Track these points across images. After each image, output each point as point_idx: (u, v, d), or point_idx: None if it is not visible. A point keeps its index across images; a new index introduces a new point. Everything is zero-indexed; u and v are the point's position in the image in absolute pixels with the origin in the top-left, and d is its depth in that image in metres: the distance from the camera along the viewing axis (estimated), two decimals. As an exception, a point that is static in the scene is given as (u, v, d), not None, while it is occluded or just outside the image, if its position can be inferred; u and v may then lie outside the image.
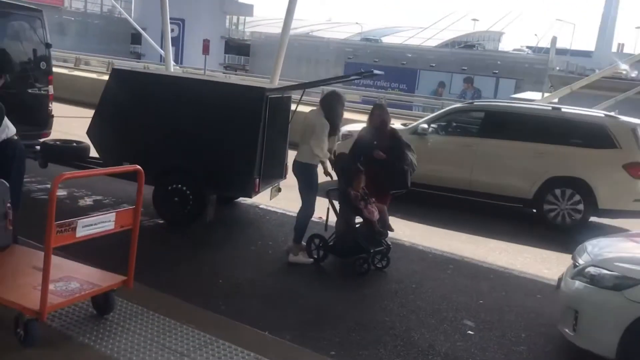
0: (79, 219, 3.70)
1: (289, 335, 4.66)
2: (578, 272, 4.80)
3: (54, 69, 9.91)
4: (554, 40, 35.50)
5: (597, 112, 10.22)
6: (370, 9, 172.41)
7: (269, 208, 8.27)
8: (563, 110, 9.78)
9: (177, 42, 49.04)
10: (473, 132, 9.87)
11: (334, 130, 6.42)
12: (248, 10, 53.49)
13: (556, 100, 16.71)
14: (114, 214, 3.97)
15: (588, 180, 8.69)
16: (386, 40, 50.67)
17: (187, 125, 7.14)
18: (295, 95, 8.11)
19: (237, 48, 51.08)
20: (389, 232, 6.52)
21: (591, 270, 4.67)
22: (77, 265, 4.35)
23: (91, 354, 3.79)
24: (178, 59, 46.92)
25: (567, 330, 4.73)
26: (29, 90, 9.04)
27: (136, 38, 49.03)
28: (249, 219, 8.00)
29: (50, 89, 9.29)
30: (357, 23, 56.71)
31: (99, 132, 7.56)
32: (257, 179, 7.06)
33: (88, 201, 7.96)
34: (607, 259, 4.73)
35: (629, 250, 5.08)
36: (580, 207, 8.79)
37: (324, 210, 6.62)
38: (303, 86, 7.83)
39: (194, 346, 4.02)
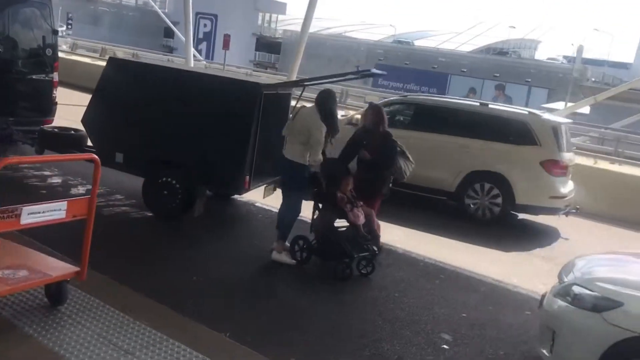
0: (23, 206, 3.59)
1: (251, 337, 4.48)
2: (560, 290, 4.52)
3: (79, 58, 9.95)
4: (580, 49, 34.66)
5: (522, 110, 10.30)
6: (405, 12, 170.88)
7: (263, 206, 8.11)
8: (490, 106, 9.96)
9: (209, 37, 49.31)
10: (405, 125, 9.79)
11: (332, 131, 6.20)
12: (281, 8, 53.52)
13: (580, 110, 16.21)
14: (65, 202, 3.85)
15: (507, 175, 8.81)
16: (419, 43, 50.14)
17: (179, 118, 7.02)
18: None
19: (268, 46, 51.13)
20: (375, 237, 6.28)
21: (574, 289, 4.38)
22: (32, 253, 4.26)
23: (32, 346, 3.69)
24: (210, 55, 47.18)
25: (544, 351, 4.45)
26: (33, 76, 9.08)
27: (169, 32, 49.33)
28: (240, 216, 7.86)
29: (55, 75, 9.29)
30: (390, 25, 56.27)
31: (93, 121, 7.49)
32: (248, 176, 6.91)
33: (81, 189, 7.89)
34: (590, 278, 4.44)
35: (617, 269, 4.77)
36: (499, 201, 8.88)
37: (309, 210, 6.43)
38: (301, 83, 7.65)
39: (141, 344, 3.88)
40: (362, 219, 6.12)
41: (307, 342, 4.65)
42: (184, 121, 7.00)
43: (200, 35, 51.09)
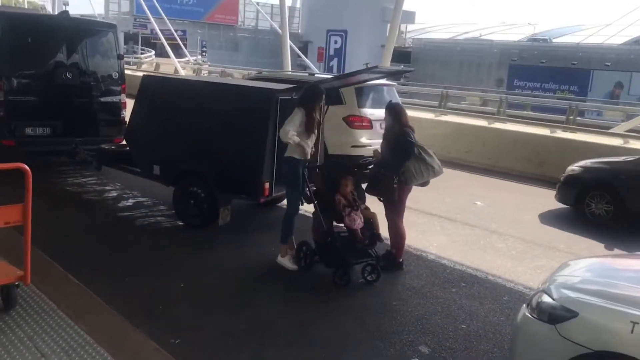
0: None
1: (207, 345, 4.37)
2: (529, 299, 3.89)
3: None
4: None
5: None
6: (550, 9, 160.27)
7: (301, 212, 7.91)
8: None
9: (340, 53, 50.08)
10: None
11: (310, 125, 5.95)
12: (410, 17, 52.87)
13: None
14: (-5, 209, 4.04)
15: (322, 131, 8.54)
16: (563, 40, 46.85)
17: (199, 128, 7.15)
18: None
19: (398, 55, 50.65)
20: (375, 242, 5.87)
21: (539, 297, 3.74)
22: (-12, 259, 4.50)
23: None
24: (340, 69, 47.92)
25: (508, 367, 3.86)
26: (102, 99, 9.75)
27: (303, 51, 50.95)
28: (267, 222, 7.72)
29: (123, 97, 9.92)
30: (529, 24, 53.20)
31: (132, 137, 7.87)
32: (267, 183, 6.83)
33: (129, 202, 8.30)
34: (557, 284, 3.76)
35: (603, 273, 3.99)
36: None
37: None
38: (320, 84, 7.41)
39: (62, 348, 3.93)
40: (358, 224, 5.76)
41: (261, 352, 4.43)
42: (204, 130, 7.13)
43: (331, 52, 52.14)
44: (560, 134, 12.96)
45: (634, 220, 8.40)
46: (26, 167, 4.14)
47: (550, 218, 9.04)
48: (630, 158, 9.26)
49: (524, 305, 3.92)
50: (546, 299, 3.62)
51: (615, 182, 8.63)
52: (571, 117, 19.13)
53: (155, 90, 7.78)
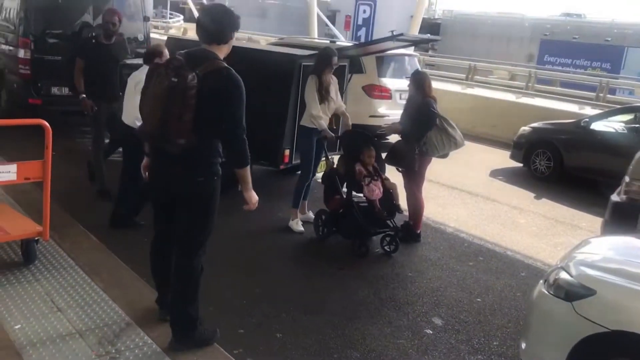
0: (-34, 167, 3.86)
1: (220, 305, 4.39)
2: (546, 275, 3.83)
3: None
4: None
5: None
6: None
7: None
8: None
9: (368, 23, 49.43)
10: None
11: (321, 91, 5.87)
12: (441, -12, 51.91)
13: None
14: (15, 165, 4.07)
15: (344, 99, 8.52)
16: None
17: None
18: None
19: (427, 27, 49.78)
20: (393, 212, 5.82)
21: (557, 273, 3.68)
22: (11, 214, 4.57)
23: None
24: (368, 39, 47.30)
25: (522, 343, 3.80)
26: (127, 61, 9.72)
27: (331, 20, 50.33)
28: (288, 189, 7.68)
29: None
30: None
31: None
32: (288, 150, 6.81)
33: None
34: (576, 261, 3.69)
35: (624, 252, 3.90)
36: None
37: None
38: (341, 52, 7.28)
39: (78, 303, 4.00)
40: (377, 194, 5.71)
41: (273, 315, 4.44)
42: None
43: (360, 22, 51.54)
44: (588, 110, 12.68)
45: (570, 177, 9.28)
46: (46, 123, 4.16)
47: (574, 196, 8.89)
48: (573, 120, 9.95)
49: (541, 281, 3.86)
50: (564, 275, 3.55)
51: (555, 141, 9.46)
52: (601, 95, 18.68)
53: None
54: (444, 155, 6.20)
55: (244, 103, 3.36)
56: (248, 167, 3.51)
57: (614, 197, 5.87)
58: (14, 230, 4.28)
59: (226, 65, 3.38)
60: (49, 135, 4.16)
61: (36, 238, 4.40)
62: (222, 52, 3.44)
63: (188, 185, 3.44)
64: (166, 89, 3.19)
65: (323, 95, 5.86)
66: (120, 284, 4.36)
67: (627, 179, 5.82)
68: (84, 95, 6.45)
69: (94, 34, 7.01)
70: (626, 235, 4.32)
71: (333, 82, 6.09)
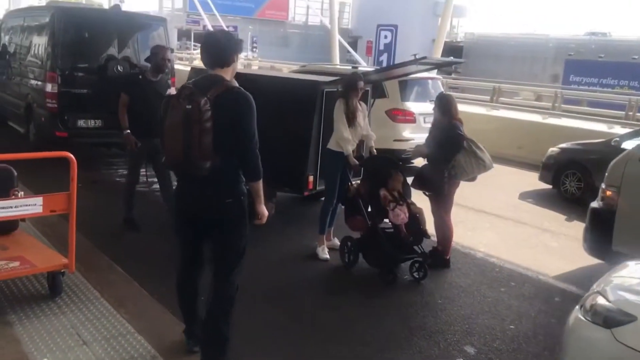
0: (-5, 200, 3.88)
1: (246, 334, 4.31)
2: (583, 300, 3.68)
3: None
4: None
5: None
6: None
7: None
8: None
9: (390, 48, 49.67)
10: None
11: (348, 115, 5.85)
12: (462, 11, 51.95)
13: None
14: (41, 198, 4.09)
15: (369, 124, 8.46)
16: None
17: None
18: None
19: (450, 50, 49.81)
20: (420, 238, 5.71)
21: (594, 298, 3.54)
22: (37, 246, 4.59)
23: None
24: (390, 64, 47.53)
25: (559, 373, 3.66)
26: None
27: (352, 46, 50.66)
28: (313, 215, 7.62)
29: (172, 90, 9.95)
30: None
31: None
32: (311, 176, 6.77)
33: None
34: (614, 285, 3.55)
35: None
36: None
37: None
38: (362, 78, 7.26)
39: (104, 336, 3.96)
40: (402, 218, 5.62)
41: (299, 345, 4.35)
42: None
43: (381, 47, 51.81)
44: (618, 129, 12.43)
45: None
46: (71, 155, 4.18)
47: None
48: (602, 140, 9.71)
49: (577, 307, 3.71)
50: (601, 300, 3.41)
51: (585, 162, 9.35)
52: (630, 113, 18.36)
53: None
54: (473, 179, 6.10)
55: (255, 117, 3.45)
56: (261, 181, 3.55)
57: (593, 204, 6.04)
58: (41, 263, 4.29)
59: (235, 84, 3.46)
60: (74, 167, 4.18)
61: (62, 270, 4.39)
62: (228, 74, 3.53)
63: (218, 208, 3.50)
64: (182, 116, 3.28)
65: (350, 119, 5.83)
66: (146, 316, 4.33)
67: (603, 185, 5.89)
68: (128, 131, 6.38)
69: (140, 70, 7.06)
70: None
71: (362, 109, 6.07)
